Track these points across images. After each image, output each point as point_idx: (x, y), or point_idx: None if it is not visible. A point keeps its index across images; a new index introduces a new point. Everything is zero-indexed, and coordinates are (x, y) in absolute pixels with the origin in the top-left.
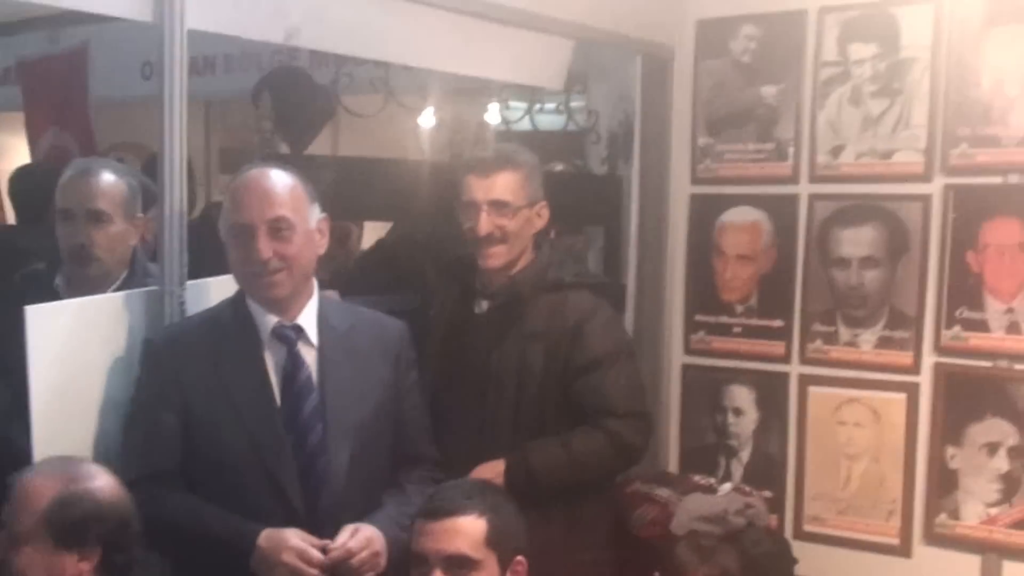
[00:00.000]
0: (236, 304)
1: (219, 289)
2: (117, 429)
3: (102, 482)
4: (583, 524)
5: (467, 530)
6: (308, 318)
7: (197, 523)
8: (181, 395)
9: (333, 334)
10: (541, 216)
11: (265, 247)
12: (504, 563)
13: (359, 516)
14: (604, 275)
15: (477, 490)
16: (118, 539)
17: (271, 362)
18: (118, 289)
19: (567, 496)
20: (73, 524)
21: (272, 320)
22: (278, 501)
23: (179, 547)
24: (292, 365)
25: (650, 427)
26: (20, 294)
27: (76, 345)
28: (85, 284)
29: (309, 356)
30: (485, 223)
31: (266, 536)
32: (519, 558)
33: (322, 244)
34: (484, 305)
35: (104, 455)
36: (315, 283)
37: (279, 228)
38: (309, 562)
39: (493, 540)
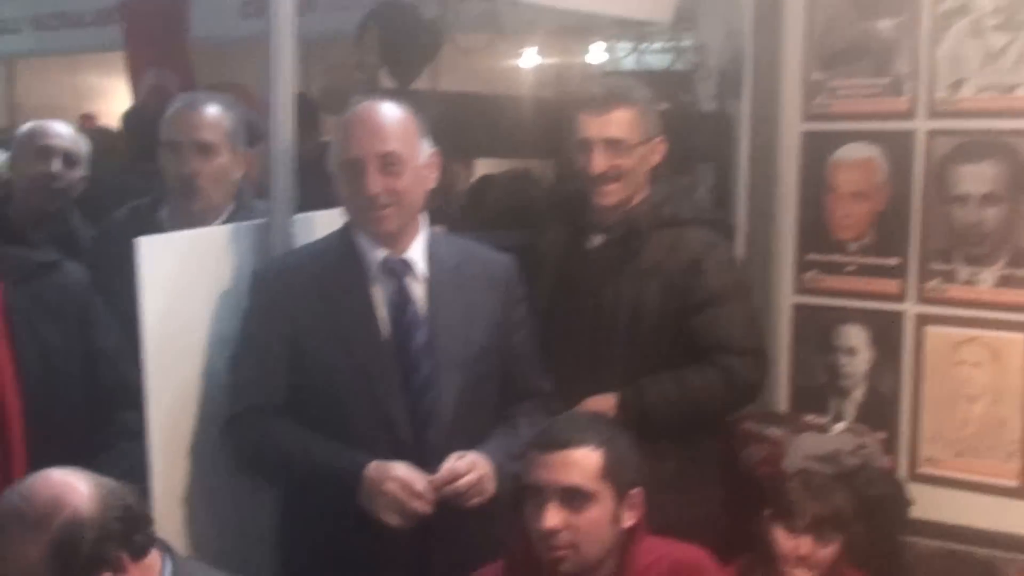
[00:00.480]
0: (344, 237)
1: (326, 222)
2: (225, 363)
3: (76, 499)
4: (695, 462)
5: (582, 462)
6: (417, 252)
7: (305, 454)
8: (288, 327)
9: (442, 268)
10: (657, 152)
11: (375, 182)
12: (620, 495)
13: (467, 449)
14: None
15: (592, 422)
16: (129, 530)
17: (379, 296)
18: (225, 223)
19: (679, 433)
20: (87, 559)
21: (380, 253)
22: (387, 435)
23: (287, 479)
24: (400, 299)
25: (766, 365)
26: (123, 228)
27: (186, 277)
28: (190, 218)
29: (418, 290)
30: (599, 161)
31: (374, 467)
32: (635, 491)
33: (432, 179)
34: (597, 240)
35: (212, 389)
36: (425, 218)
37: (389, 163)
38: (412, 491)
39: (608, 472)
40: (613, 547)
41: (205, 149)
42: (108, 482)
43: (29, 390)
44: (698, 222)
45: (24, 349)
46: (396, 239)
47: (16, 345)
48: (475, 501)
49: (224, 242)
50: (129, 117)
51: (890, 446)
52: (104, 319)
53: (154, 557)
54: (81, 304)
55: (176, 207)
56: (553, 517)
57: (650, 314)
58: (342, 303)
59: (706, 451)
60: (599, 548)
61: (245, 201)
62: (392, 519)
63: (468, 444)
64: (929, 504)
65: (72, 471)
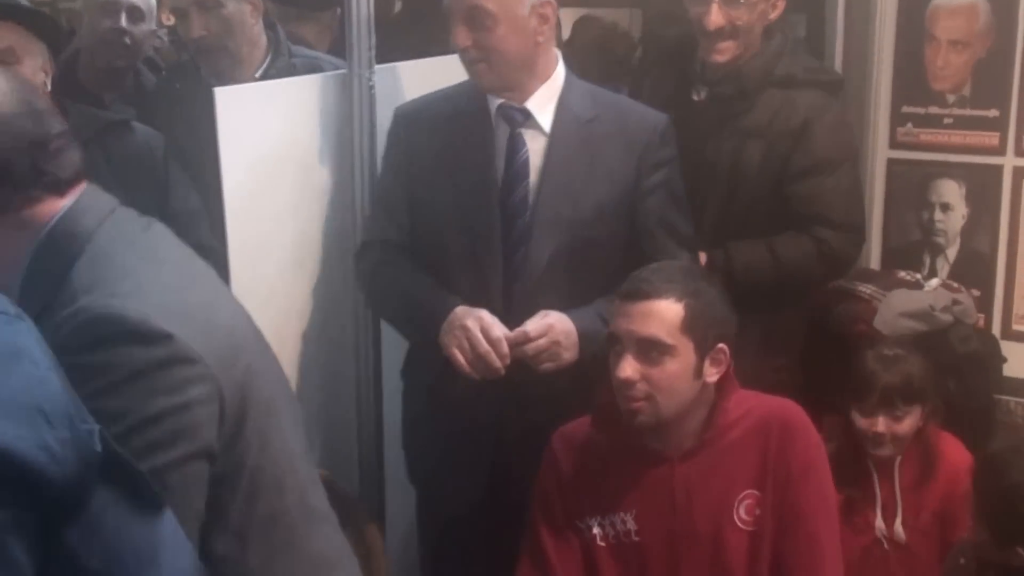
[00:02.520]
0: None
1: (409, 73)
2: (306, 213)
3: None
4: (779, 331)
5: (663, 314)
6: (541, 102)
7: (406, 290)
8: (408, 166)
9: (571, 122)
10: (776, 7)
11: (462, 36)
12: (702, 350)
13: (559, 310)
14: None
15: (680, 274)
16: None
17: (498, 144)
18: (264, 75)
19: (763, 302)
20: None
21: (497, 100)
22: (479, 285)
23: (391, 312)
24: (511, 148)
25: (862, 239)
26: (171, 84)
27: (264, 129)
28: (220, 76)
29: (536, 142)
30: (716, 16)
31: (462, 308)
32: (721, 346)
33: (543, 31)
34: (703, 93)
35: (292, 241)
36: (558, 66)
37: (475, 17)
38: (488, 337)
39: (689, 326)
40: (694, 401)
41: (203, 5)
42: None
43: None
44: (813, 83)
45: None
46: (512, 88)
47: None
48: (547, 367)
49: (302, 94)
50: None
51: (984, 304)
52: (179, 181)
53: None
54: (152, 165)
55: (205, 70)
56: (628, 367)
57: (749, 176)
58: (460, 148)
59: (791, 320)
60: (676, 401)
61: (282, 48)
62: (460, 360)
63: (561, 305)
64: (1023, 362)
65: None
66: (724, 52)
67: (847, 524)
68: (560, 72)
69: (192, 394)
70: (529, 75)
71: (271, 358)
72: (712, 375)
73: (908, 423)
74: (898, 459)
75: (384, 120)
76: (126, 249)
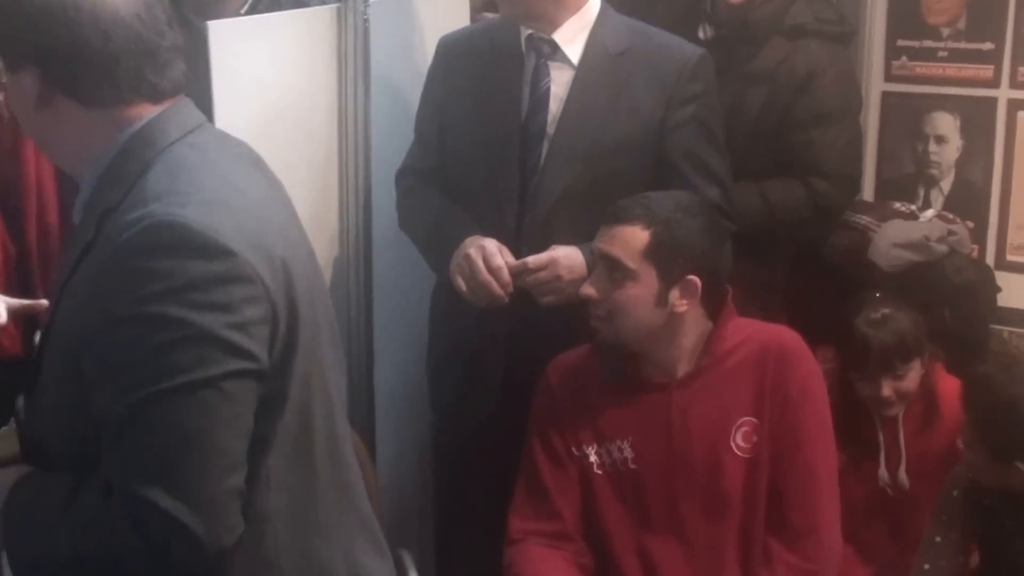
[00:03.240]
0: None
1: (404, 7)
2: (298, 147)
3: None
4: (765, 272)
5: (627, 238)
6: (570, 34)
7: (428, 219)
8: (444, 95)
9: (599, 54)
10: None
11: None
12: (668, 279)
13: (567, 243)
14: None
15: (659, 202)
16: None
17: (526, 76)
18: (250, 11)
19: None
20: None
21: (527, 31)
22: (495, 214)
23: (414, 238)
24: (535, 79)
25: (856, 190)
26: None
27: (258, 64)
28: (205, 10)
29: (561, 75)
30: None
31: (471, 238)
32: (691, 277)
33: None
34: (709, 31)
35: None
36: (591, 0)
37: None
38: (488, 263)
39: (654, 253)
40: (661, 329)
41: None
42: None
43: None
44: (822, 35)
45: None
46: (537, 17)
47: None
48: (548, 300)
49: (297, 28)
50: None
51: (978, 235)
52: None
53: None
54: None
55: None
56: (589, 286)
57: (746, 123)
58: (490, 78)
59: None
60: (635, 325)
61: None
62: (463, 287)
63: (577, 237)
64: (1017, 291)
65: None
66: None
67: (850, 474)
68: (595, 4)
69: (247, 313)
70: (556, 4)
71: (322, 288)
72: (680, 306)
73: (911, 378)
74: (901, 412)
75: (377, 55)
76: (203, 165)
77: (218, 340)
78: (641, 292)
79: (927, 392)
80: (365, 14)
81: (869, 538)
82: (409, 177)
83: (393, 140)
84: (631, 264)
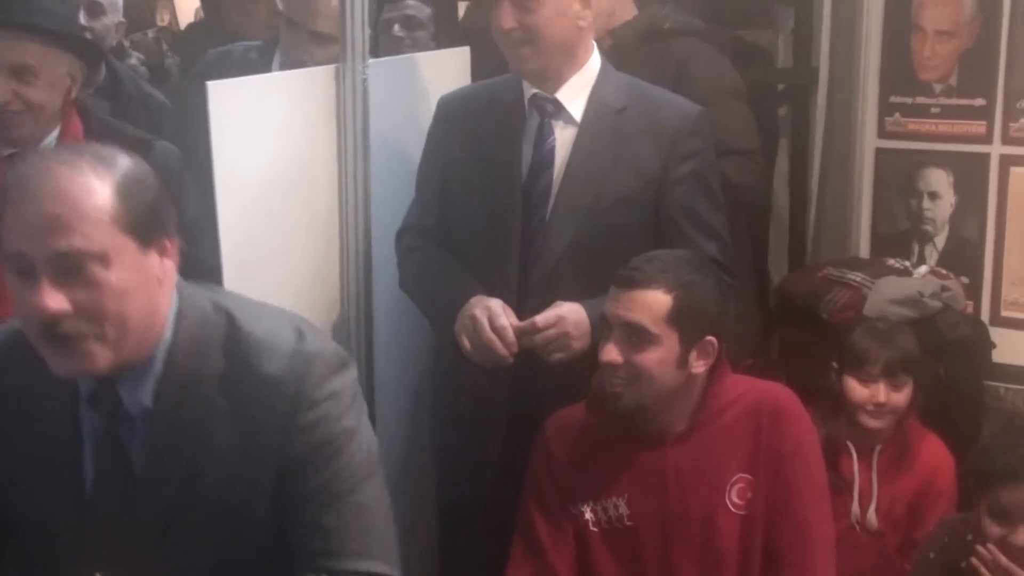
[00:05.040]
0: (515, 73)
1: (403, 67)
2: (297, 206)
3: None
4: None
5: (650, 304)
6: (572, 93)
7: (432, 275)
8: (445, 154)
9: (600, 112)
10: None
11: (507, 17)
12: (688, 341)
13: (570, 300)
14: (794, 60)
15: (675, 264)
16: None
17: (528, 134)
18: None
19: None
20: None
21: (531, 91)
22: (496, 273)
23: (418, 298)
24: (539, 138)
25: (762, 167)
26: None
27: (257, 122)
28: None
29: (565, 133)
30: None
31: (476, 298)
32: (709, 338)
33: (584, 16)
34: None
35: (284, 234)
36: (593, 55)
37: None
38: (493, 323)
39: (676, 317)
40: (679, 388)
41: None
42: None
43: None
44: (684, 32)
45: None
46: (546, 77)
47: None
48: (557, 357)
49: (298, 86)
50: None
51: (973, 291)
52: (191, 193)
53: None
54: (172, 186)
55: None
56: (612, 351)
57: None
58: (492, 137)
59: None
60: (657, 389)
61: None
62: (466, 345)
63: (579, 295)
64: (1012, 347)
65: None
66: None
67: None
68: (595, 61)
69: None
70: (568, 62)
71: None
72: (699, 367)
73: (904, 394)
74: (877, 448)
75: (377, 115)
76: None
77: None
78: (663, 356)
79: (903, 437)
80: (364, 74)
81: None
82: (409, 237)
83: (393, 199)
84: (654, 329)
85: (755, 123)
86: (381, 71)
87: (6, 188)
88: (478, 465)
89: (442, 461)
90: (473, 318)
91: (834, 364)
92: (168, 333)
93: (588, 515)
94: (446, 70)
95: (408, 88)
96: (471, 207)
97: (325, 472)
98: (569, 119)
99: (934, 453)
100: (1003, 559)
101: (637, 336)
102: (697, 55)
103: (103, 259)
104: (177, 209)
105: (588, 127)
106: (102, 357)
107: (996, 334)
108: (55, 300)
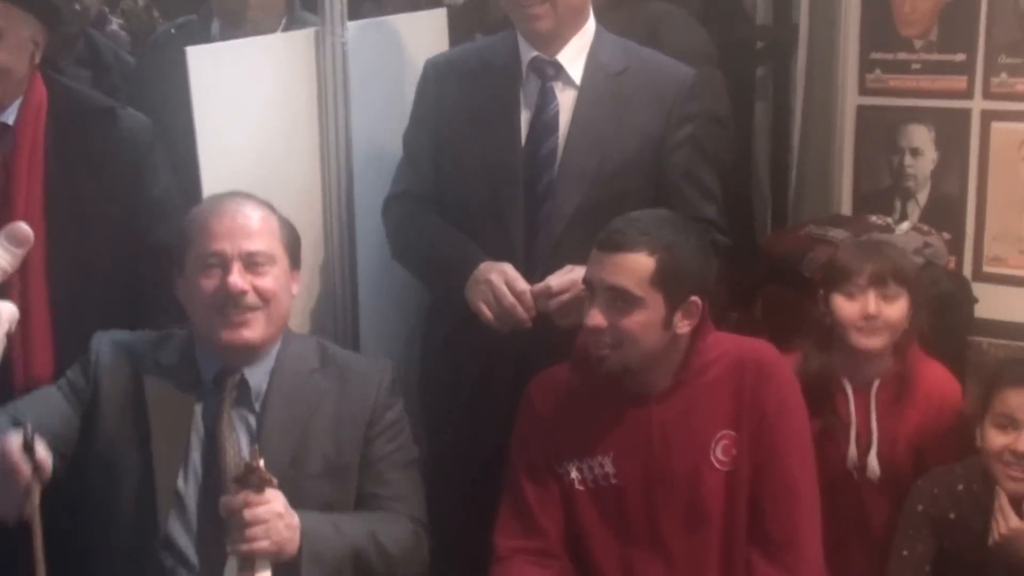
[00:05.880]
0: (509, 35)
1: (382, 30)
2: (279, 172)
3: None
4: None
5: (633, 266)
6: (572, 55)
7: (432, 243)
8: (435, 118)
9: (600, 75)
10: None
11: None
12: (672, 302)
13: (577, 264)
14: (774, 18)
15: (657, 225)
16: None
17: (526, 98)
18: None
19: None
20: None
21: (531, 53)
22: (502, 239)
23: (415, 265)
24: (542, 102)
25: (732, 131)
26: (172, 41)
27: (238, 88)
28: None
29: (565, 96)
30: None
31: (486, 263)
32: (693, 298)
33: None
34: None
35: (266, 192)
36: (590, 20)
37: None
38: (513, 289)
39: (660, 279)
40: (665, 349)
41: None
42: None
43: (60, 250)
44: None
45: (60, 203)
46: (549, 40)
47: (50, 196)
48: (567, 321)
49: (276, 52)
50: None
51: (955, 246)
52: (160, 168)
53: None
54: (132, 157)
55: (226, 24)
56: (597, 315)
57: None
58: (489, 101)
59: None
60: (643, 350)
61: (297, 15)
62: (487, 313)
63: (584, 259)
64: (994, 302)
65: None
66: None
67: (819, 455)
68: (591, 24)
69: None
70: (579, 22)
71: None
72: (683, 327)
73: (899, 308)
74: (876, 384)
75: (357, 78)
76: None
77: None
78: (648, 318)
79: (903, 365)
80: (343, 37)
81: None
82: (403, 203)
83: (373, 162)
84: (638, 292)
85: (726, 90)
86: (360, 34)
87: (199, 211)
88: (484, 427)
89: (441, 429)
90: (489, 283)
91: (820, 292)
92: (280, 339)
93: (574, 474)
94: (426, 33)
95: (387, 51)
96: (471, 172)
97: (396, 442)
98: (569, 81)
99: (940, 383)
100: (1015, 520)
101: (622, 300)
102: (670, 17)
103: (272, 260)
104: (147, 182)
105: (589, 89)
106: (260, 329)
107: (979, 289)
108: (244, 280)
